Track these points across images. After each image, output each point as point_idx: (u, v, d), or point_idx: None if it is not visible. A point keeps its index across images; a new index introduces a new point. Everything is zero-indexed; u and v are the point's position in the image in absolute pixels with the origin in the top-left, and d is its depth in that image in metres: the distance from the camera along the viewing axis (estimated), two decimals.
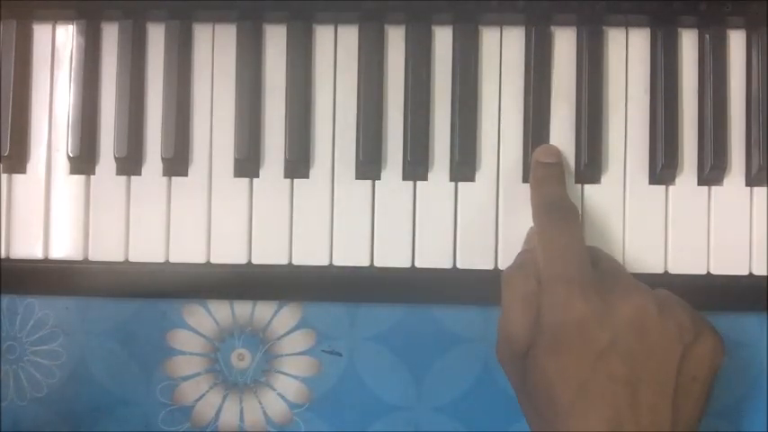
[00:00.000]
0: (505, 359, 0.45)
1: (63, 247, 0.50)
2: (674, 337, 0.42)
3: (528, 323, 0.44)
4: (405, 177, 0.50)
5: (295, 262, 0.50)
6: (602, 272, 0.45)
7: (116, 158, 0.50)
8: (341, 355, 0.52)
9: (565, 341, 0.42)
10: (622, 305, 0.42)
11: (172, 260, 0.50)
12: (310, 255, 0.50)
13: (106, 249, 0.50)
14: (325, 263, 0.50)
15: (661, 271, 0.50)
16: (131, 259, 0.50)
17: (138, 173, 0.51)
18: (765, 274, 0.50)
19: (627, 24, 0.51)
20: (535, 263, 0.45)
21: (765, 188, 0.50)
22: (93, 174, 0.51)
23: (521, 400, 0.45)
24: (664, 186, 0.50)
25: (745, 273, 0.50)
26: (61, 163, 0.51)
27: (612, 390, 0.41)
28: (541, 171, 0.49)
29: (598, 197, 0.50)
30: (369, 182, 0.50)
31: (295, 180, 0.50)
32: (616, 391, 0.41)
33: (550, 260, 0.44)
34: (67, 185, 0.51)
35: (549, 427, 0.42)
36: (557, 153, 0.50)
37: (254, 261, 0.50)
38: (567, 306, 0.43)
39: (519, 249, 0.49)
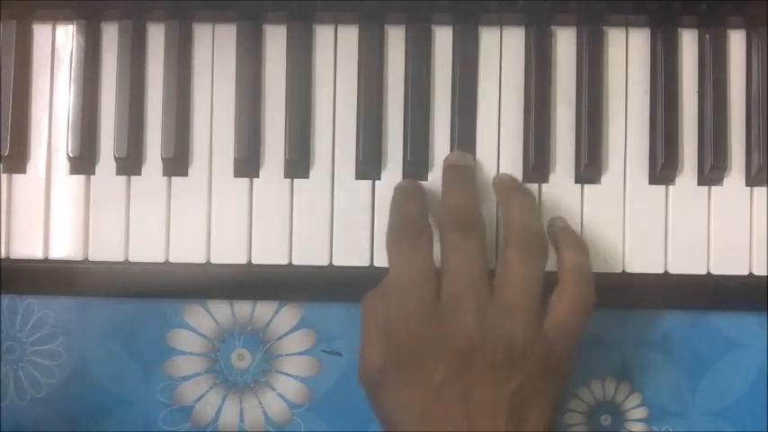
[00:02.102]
0: (366, 386, 0.46)
1: (63, 247, 0.50)
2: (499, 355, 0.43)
3: (382, 352, 0.44)
4: (405, 177, 0.50)
5: (295, 262, 0.50)
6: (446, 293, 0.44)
7: (116, 158, 0.50)
8: (341, 355, 0.52)
9: (403, 371, 0.43)
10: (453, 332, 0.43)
11: (172, 260, 0.50)
12: (310, 255, 0.50)
13: (106, 249, 0.50)
14: (325, 263, 0.50)
15: (661, 271, 0.50)
16: (131, 259, 0.50)
17: (138, 173, 0.51)
18: (765, 274, 0.50)
19: (627, 24, 0.51)
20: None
21: (765, 188, 0.50)
22: (93, 174, 0.51)
23: (382, 424, 0.46)
24: (664, 186, 0.50)
25: (745, 273, 0.50)
26: (61, 163, 0.51)
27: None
28: (398, 190, 0.49)
29: (598, 197, 0.50)
30: (369, 182, 0.50)
31: (295, 180, 0.50)
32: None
33: (391, 287, 0.44)
34: (67, 185, 0.51)
35: None
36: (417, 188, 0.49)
37: (254, 261, 0.50)
38: (400, 333, 0.43)
39: None
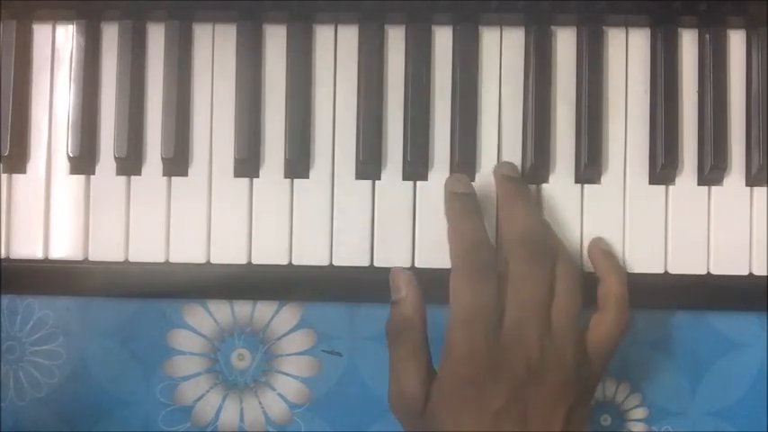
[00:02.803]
0: (400, 414, 0.46)
1: (63, 247, 0.50)
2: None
3: (420, 379, 0.45)
4: (405, 177, 0.50)
5: (295, 262, 0.50)
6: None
7: (116, 158, 0.50)
8: (341, 355, 0.52)
9: (462, 399, 0.43)
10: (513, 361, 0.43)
11: (172, 260, 0.50)
12: (310, 255, 0.50)
13: (106, 249, 0.50)
14: (326, 263, 0.50)
15: (661, 271, 0.50)
16: (131, 259, 0.50)
17: (138, 173, 0.51)
18: (765, 274, 0.50)
19: (627, 24, 0.51)
20: (413, 314, 0.45)
21: (765, 188, 0.50)
22: (93, 174, 0.51)
23: None
24: (664, 186, 0.50)
25: (745, 273, 0.50)
26: (61, 163, 0.51)
27: None
28: (455, 203, 0.48)
29: (598, 197, 0.50)
30: (369, 182, 0.50)
31: (295, 180, 0.50)
32: None
33: (457, 320, 0.44)
34: (67, 185, 0.51)
35: None
36: (467, 182, 0.49)
37: (254, 261, 0.50)
38: (464, 363, 0.43)
39: None
